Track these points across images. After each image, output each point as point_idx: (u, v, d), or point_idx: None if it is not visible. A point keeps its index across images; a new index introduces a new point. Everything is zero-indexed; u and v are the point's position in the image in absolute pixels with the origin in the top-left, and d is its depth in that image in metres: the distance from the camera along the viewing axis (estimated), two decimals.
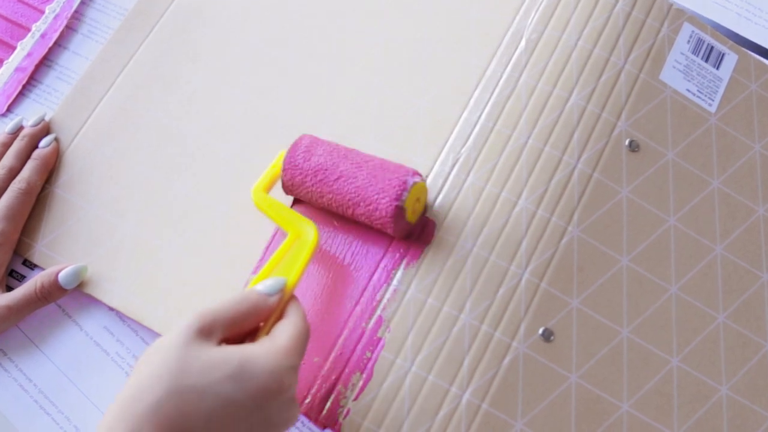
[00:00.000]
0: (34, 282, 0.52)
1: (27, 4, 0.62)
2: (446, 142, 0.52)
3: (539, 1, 0.55)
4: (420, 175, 0.47)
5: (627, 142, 0.52)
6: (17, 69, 0.58)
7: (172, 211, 0.54)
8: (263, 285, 0.42)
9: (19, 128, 0.57)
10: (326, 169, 0.47)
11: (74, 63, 0.61)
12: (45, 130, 0.57)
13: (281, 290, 0.42)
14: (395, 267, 0.49)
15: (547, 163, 0.50)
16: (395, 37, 0.57)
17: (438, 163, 0.52)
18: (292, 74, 0.57)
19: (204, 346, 0.38)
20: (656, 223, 0.51)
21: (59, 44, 0.61)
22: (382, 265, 0.49)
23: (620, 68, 0.53)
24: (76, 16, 0.61)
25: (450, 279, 0.48)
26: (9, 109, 0.59)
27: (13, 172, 0.55)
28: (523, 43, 0.54)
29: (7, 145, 0.57)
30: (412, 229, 0.49)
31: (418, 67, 0.55)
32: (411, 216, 0.47)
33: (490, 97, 0.53)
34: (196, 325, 0.38)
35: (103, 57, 0.60)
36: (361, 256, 0.50)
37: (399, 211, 0.46)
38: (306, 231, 0.46)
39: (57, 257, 0.54)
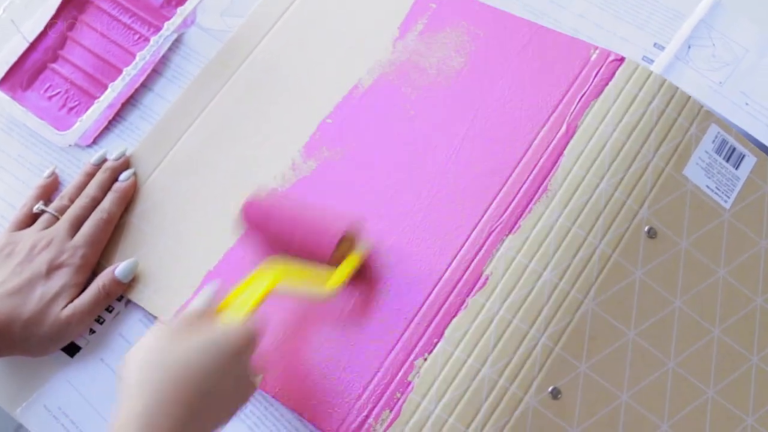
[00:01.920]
0: (96, 284, 0.71)
1: (120, 45, 0.81)
2: (484, 214, 0.71)
3: (583, 90, 0.74)
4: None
5: (646, 229, 0.70)
6: (107, 106, 0.77)
7: None
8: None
9: (103, 161, 0.77)
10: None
11: (157, 104, 0.80)
12: (125, 164, 0.77)
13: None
14: (431, 321, 0.67)
15: (573, 241, 0.69)
16: (447, 129, 0.75)
17: (476, 232, 0.70)
18: None
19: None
20: (664, 303, 0.69)
21: (144, 85, 0.80)
22: (419, 315, 0.68)
23: (649, 161, 0.71)
24: (162, 61, 0.81)
25: (476, 336, 0.66)
26: (94, 141, 0.79)
27: (96, 202, 0.75)
28: (564, 128, 0.73)
29: (91, 175, 0.76)
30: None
31: (459, 144, 0.74)
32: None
33: (528, 176, 0.71)
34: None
35: (183, 101, 0.79)
36: (403, 300, 0.68)
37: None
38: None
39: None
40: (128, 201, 0.76)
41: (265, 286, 0.64)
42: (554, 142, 0.72)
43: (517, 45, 0.77)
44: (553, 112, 0.73)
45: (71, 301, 0.70)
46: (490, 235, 0.69)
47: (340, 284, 0.66)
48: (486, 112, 0.75)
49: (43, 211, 0.74)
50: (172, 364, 0.55)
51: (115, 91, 0.76)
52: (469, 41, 0.78)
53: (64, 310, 0.69)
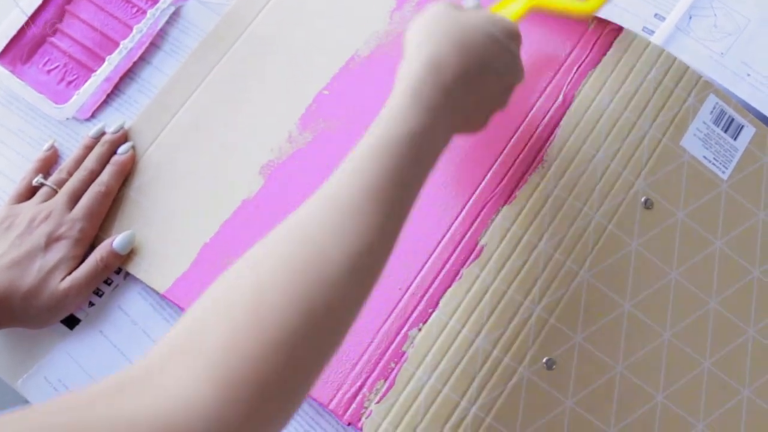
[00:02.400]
0: (94, 256, 0.72)
1: (117, 18, 0.82)
2: (480, 184, 0.71)
3: (581, 60, 0.73)
4: None
5: (643, 200, 0.70)
6: (104, 80, 0.78)
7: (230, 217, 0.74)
8: None
9: (101, 134, 0.77)
10: None
11: (155, 77, 0.80)
12: (124, 137, 0.77)
13: None
14: (426, 291, 0.67)
15: (569, 211, 0.69)
16: None
17: (471, 202, 0.70)
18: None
19: None
20: (660, 275, 0.69)
21: (143, 59, 0.81)
22: (414, 284, 0.68)
23: (645, 132, 0.71)
24: (160, 34, 0.81)
25: (471, 306, 0.66)
26: (93, 115, 0.79)
27: (94, 175, 0.75)
28: (561, 98, 0.72)
29: (90, 148, 0.77)
30: None
31: None
32: None
33: (524, 147, 0.71)
34: None
35: (181, 74, 0.80)
36: (397, 270, 0.69)
37: None
38: None
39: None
40: (126, 174, 0.76)
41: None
42: (551, 112, 0.72)
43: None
44: (550, 81, 0.73)
45: (70, 273, 0.70)
46: (485, 205, 0.69)
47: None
48: None
49: (42, 185, 0.74)
50: (453, 29, 0.60)
51: (112, 64, 0.76)
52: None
53: (62, 282, 0.70)
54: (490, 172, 0.71)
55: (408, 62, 0.59)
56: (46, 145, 0.77)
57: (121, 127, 0.77)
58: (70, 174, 0.75)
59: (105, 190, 0.74)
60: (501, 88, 0.64)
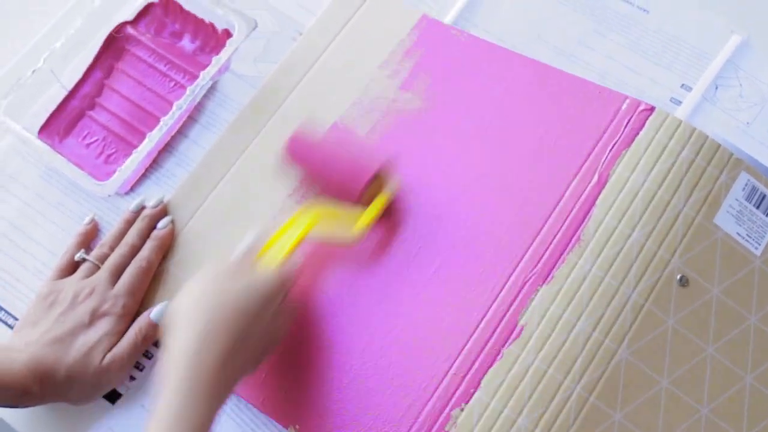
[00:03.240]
0: (132, 329, 0.73)
1: (155, 92, 0.83)
2: (518, 264, 0.72)
3: (614, 140, 0.75)
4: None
5: (678, 278, 0.71)
6: (144, 156, 0.79)
7: None
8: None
9: (141, 208, 0.79)
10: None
11: (192, 151, 0.82)
12: (163, 212, 0.79)
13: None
14: (467, 372, 0.69)
15: (607, 291, 0.70)
16: (478, 179, 0.77)
17: (510, 282, 0.72)
18: None
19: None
20: (696, 351, 0.70)
21: (180, 132, 0.82)
22: (456, 365, 0.70)
23: (680, 210, 0.72)
24: (198, 108, 0.83)
25: (512, 386, 0.68)
26: (132, 189, 0.81)
27: (135, 249, 0.76)
28: (596, 177, 0.74)
29: (130, 222, 0.78)
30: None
31: (491, 194, 0.75)
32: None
33: (561, 227, 0.73)
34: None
35: (219, 147, 0.81)
36: (440, 350, 0.70)
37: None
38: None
39: None
40: (166, 248, 0.77)
41: (300, 232, 0.70)
42: (586, 192, 0.73)
43: (548, 94, 0.78)
44: (585, 162, 0.75)
45: (111, 348, 0.72)
46: (524, 285, 0.71)
47: (366, 226, 0.71)
48: (517, 162, 0.76)
49: (84, 260, 0.76)
50: (218, 307, 0.62)
51: (152, 141, 0.78)
52: (492, 86, 0.79)
53: (104, 358, 0.71)
54: (528, 252, 0.72)
55: (174, 347, 0.61)
56: (87, 219, 0.79)
57: (161, 202, 0.78)
58: (111, 249, 0.76)
59: (146, 266, 0.75)
60: (261, 347, 0.67)
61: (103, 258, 0.76)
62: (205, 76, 0.79)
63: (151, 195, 0.80)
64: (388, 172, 0.73)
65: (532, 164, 0.76)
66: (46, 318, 0.72)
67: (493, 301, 0.71)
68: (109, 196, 0.78)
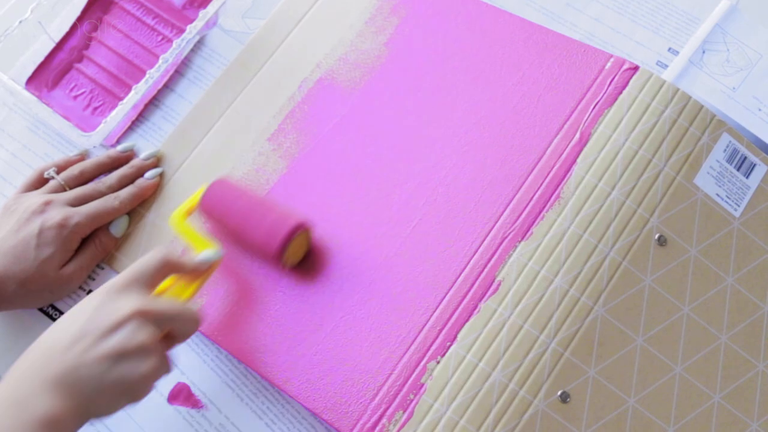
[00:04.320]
0: (94, 241, 0.75)
1: (142, 46, 0.84)
2: (498, 220, 0.73)
3: (597, 98, 0.76)
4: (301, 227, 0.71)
5: (656, 237, 0.72)
6: (131, 108, 0.80)
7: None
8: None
9: (130, 152, 0.79)
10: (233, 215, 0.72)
11: (179, 105, 0.82)
12: (154, 164, 0.79)
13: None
14: (444, 325, 0.70)
15: (584, 248, 0.71)
16: (457, 133, 0.78)
17: (489, 238, 0.72)
18: (369, 133, 0.78)
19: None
20: (672, 310, 0.71)
21: (167, 86, 0.83)
22: (433, 318, 0.71)
23: (660, 169, 0.73)
24: (184, 62, 0.83)
25: (488, 340, 0.69)
26: (118, 141, 0.81)
27: (111, 191, 0.77)
28: (577, 135, 0.75)
29: (113, 159, 0.79)
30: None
31: (473, 150, 0.76)
32: (290, 258, 0.72)
33: (541, 184, 0.73)
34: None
35: (205, 102, 0.82)
36: (418, 303, 0.71)
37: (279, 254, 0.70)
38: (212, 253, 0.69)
39: None
40: (144, 199, 0.78)
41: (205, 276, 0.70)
42: (567, 149, 0.74)
43: (532, 51, 0.79)
44: (567, 119, 0.75)
45: (65, 260, 0.73)
46: (503, 241, 0.72)
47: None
48: (499, 118, 0.77)
49: (52, 178, 0.77)
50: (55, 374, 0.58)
51: (138, 93, 0.78)
52: (477, 43, 0.80)
53: (66, 268, 0.73)
54: (508, 208, 0.73)
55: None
56: (77, 151, 0.80)
57: (154, 156, 0.79)
58: (83, 174, 0.78)
59: (117, 205, 0.76)
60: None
61: (71, 179, 0.77)
62: (191, 30, 0.80)
63: (143, 147, 0.80)
64: (307, 230, 0.73)
65: (514, 120, 0.76)
66: (2, 228, 0.73)
67: (472, 256, 0.72)
68: (95, 147, 0.79)
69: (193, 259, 0.68)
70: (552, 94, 0.77)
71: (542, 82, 0.77)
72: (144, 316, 0.59)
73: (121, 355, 0.58)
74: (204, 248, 0.70)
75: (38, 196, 0.74)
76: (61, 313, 0.76)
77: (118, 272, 0.77)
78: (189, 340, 0.71)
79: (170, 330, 0.63)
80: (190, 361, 0.74)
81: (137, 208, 0.79)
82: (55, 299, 0.75)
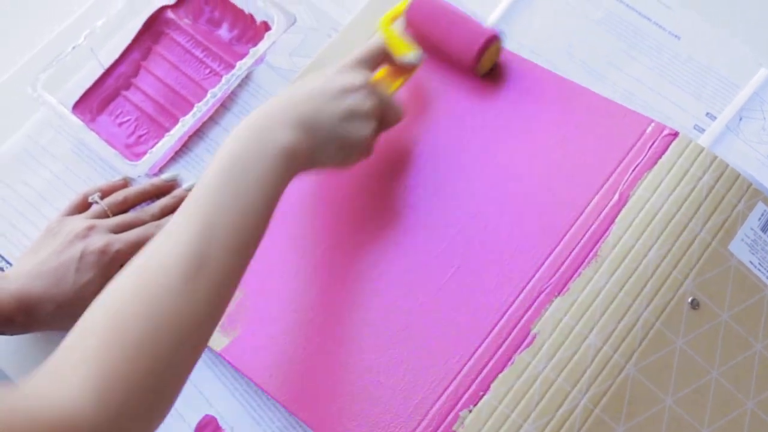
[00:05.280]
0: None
1: (190, 78, 0.86)
2: (535, 274, 0.75)
3: (637, 161, 0.78)
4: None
5: (690, 300, 0.74)
6: (177, 140, 0.81)
7: (298, 290, 0.77)
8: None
9: (173, 182, 0.81)
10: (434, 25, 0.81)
11: (222, 138, 0.83)
12: None
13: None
14: (478, 374, 0.71)
15: (619, 307, 0.72)
16: (502, 169, 0.80)
17: (526, 290, 0.74)
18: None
19: None
20: (701, 373, 0.73)
21: (211, 119, 0.85)
22: (467, 367, 0.72)
23: (696, 234, 0.75)
24: (230, 96, 0.85)
25: (521, 392, 0.70)
26: (160, 171, 0.83)
27: (154, 220, 0.79)
28: (617, 196, 0.77)
29: (157, 188, 0.81)
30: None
31: (514, 203, 0.78)
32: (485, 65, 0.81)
33: (580, 241, 0.75)
34: None
35: None
36: (452, 351, 0.72)
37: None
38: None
39: None
40: None
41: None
42: (606, 209, 0.76)
43: (576, 111, 0.81)
44: (607, 180, 0.77)
45: (104, 285, 0.74)
46: (540, 294, 0.73)
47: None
48: (540, 173, 0.79)
49: (96, 203, 0.79)
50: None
51: (185, 125, 0.80)
52: (521, 99, 0.82)
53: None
54: (546, 262, 0.75)
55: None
56: (119, 177, 0.82)
57: None
58: (126, 200, 0.79)
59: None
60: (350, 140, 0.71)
61: (115, 206, 0.79)
62: (241, 67, 0.81)
63: (185, 177, 0.83)
64: (498, 42, 0.81)
65: (555, 177, 0.78)
66: (44, 249, 0.74)
67: (509, 307, 0.74)
68: (138, 177, 0.80)
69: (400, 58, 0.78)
70: (593, 154, 0.79)
71: (584, 142, 0.79)
72: (372, 89, 0.72)
73: (353, 114, 0.70)
74: (408, 51, 0.78)
75: (82, 221, 0.76)
76: None
77: None
78: (218, 371, 0.74)
79: (381, 114, 0.74)
80: (218, 393, 0.75)
81: None
82: None
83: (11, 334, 0.74)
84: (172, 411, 0.73)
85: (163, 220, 0.78)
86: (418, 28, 0.81)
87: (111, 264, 0.74)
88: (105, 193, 0.80)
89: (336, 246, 0.79)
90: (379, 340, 0.74)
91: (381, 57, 0.77)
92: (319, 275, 0.78)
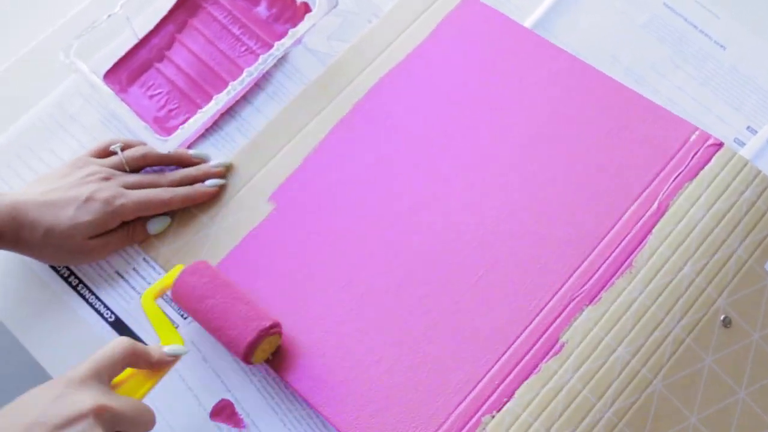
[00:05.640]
0: (129, 226, 0.76)
1: (225, 54, 0.84)
2: (567, 281, 0.73)
3: (679, 170, 0.76)
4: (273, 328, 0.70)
5: (722, 318, 0.72)
6: (209, 117, 0.80)
7: (321, 277, 0.76)
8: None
9: (201, 159, 0.80)
10: (203, 301, 0.71)
11: (254, 118, 0.82)
12: (221, 173, 0.79)
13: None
14: (503, 380, 0.70)
15: (650, 320, 0.71)
16: (541, 165, 0.78)
17: (556, 298, 0.73)
18: (448, 171, 0.78)
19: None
20: (728, 393, 0.71)
21: (244, 98, 0.83)
22: (492, 371, 0.71)
23: (733, 250, 0.73)
24: (265, 76, 0.83)
25: (545, 401, 0.69)
26: (190, 147, 0.81)
27: (171, 186, 0.78)
28: (655, 205, 0.75)
29: (180, 159, 0.79)
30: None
31: (548, 205, 0.76)
32: (260, 355, 0.70)
33: (615, 249, 0.74)
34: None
35: (281, 119, 0.82)
36: (478, 355, 0.71)
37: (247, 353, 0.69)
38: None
39: None
40: (194, 204, 0.79)
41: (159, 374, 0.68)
42: (644, 218, 0.74)
43: (619, 112, 0.79)
44: (647, 187, 0.76)
45: (96, 233, 0.74)
46: (570, 302, 0.72)
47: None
48: (577, 175, 0.77)
49: (116, 153, 0.78)
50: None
51: (219, 103, 0.78)
52: (562, 94, 0.81)
53: (93, 240, 0.74)
54: (578, 270, 0.73)
55: None
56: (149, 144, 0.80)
57: (224, 166, 0.79)
58: (145, 158, 0.79)
59: (167, 200, 0.77)
60: None
61: (133, 161, 0.78)
62: (279, 47, 0.79)
63: (213, 156, 0.81)
64: (275, 331, 0.71)
65: (592, 180, 0.77)
66: (57, 180, 0.75)
67: (537, 314, 0.72)
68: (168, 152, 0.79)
69: (159, 351, 0.67)
70: (634, 159, 0.77)
71: (626, 145, 0.78)
72: (101, 415, 0.58)
73: None
74: (170, 339, 0.69)
75: (103, 168, 0.76)
76: (78, 279, 0.78)
77: (149, 257, 0.78)
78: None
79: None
80: (238, 379, 0.73)
81: (192, 209, 0.79)
82: (71, 263, 0.78)
83: None
84: (188, 394, 0.72)
85: (177, 189, 0.77)
86: (186, 307, 0.73)
87: (111, 215, 0.74)
88: (127, 147, 0.79)
89: (362, 247, 0.77)
90: (401, 340, 0.73)
91: (127, 359, 0.63)
92: (344, 275, 0.76)
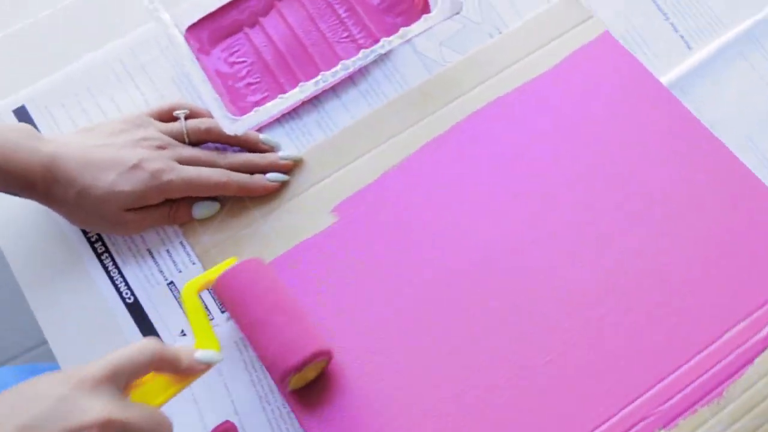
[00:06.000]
0: (172, 204, 0.69)
1: (323, 34, 0.75)
2: (638, 398, 0.64)
3: None
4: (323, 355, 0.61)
5: None
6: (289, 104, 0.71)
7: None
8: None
9: (269, 147, 0.71)
10: (252, 305, 0.62)
11: (339, 114, 0.73)
12: (287, 167, 0.71)
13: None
14: None
15: None
16: (643, 263, 0.68)
17: (623, 413, 0.63)
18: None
19: None
20: None
21: (333, 90, 0.73)
22: None
23: None
24: (362, 71, 0.74)
25: None
26: (260, 130, 0.72)
27: (230, 169, 0.70)
28: (765, 331, 0.65)
29: (246, 142, 0.71)
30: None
31: (641, 302, 0.66)
32: (297, 382, 0.61)
33: (705, 373, 0.64)
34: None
35: (369, 122, 0.73)
36: None
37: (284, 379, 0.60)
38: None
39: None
40: (249, 195, 0.70)
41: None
42: (748, 344, 0.65)
43: (746, 208, 0.69)
44: (758, 309, 0.65)
45: (134, 206, 0.67)
46: (640, 421, 0.63)
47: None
48: (687, 270, 0.68)
49: (179, 119, 0.71)
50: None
51: (304, 92, 0.69)
52: (691, 175, 0.71)
53: (129, 213, 0.67)
54: (656, 387, 0.64)
55: None
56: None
57: (294, 160, 0.71)
58: (209, 132, 0.71)
59: (222, 184, 0.69)
60: None
61: (195, 133, 0.70)
62: (384, 45, 0.70)
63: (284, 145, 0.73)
64: (323, 359, 0.62)
65: (703, 285, 0.67)
66: (108, 135, 0.68)
67: (597, 426, 0.63)
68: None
69: (190, 356, 0.58)
70: (754, 271, 0.67)
71: (748, 252, 0.67)
72: (107, 430, 0.50)
73: None
74: (205, 341, 0.61)
75: (160, 135, 0.69)
76: (105, 247, 0.71)
77: (188, 242, 0.70)
78: (255, 376, 0.66)
79: None
80: (249, 403, 0.66)
81: (245, 200, 0.71)
82: (103, 231, 0.70)
83: (28, 198, 0.68)
84: (192, 406, 0.65)
85: (234, 174, 0.69)
86: (228, 304, 0.65)
87: (155, 190, 0.67)
88: (192, 116, 0.72)
89: (433, 291, 0.68)
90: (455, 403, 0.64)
91: (151, 366, 0.55)
92: (407, 317, 0.67)
